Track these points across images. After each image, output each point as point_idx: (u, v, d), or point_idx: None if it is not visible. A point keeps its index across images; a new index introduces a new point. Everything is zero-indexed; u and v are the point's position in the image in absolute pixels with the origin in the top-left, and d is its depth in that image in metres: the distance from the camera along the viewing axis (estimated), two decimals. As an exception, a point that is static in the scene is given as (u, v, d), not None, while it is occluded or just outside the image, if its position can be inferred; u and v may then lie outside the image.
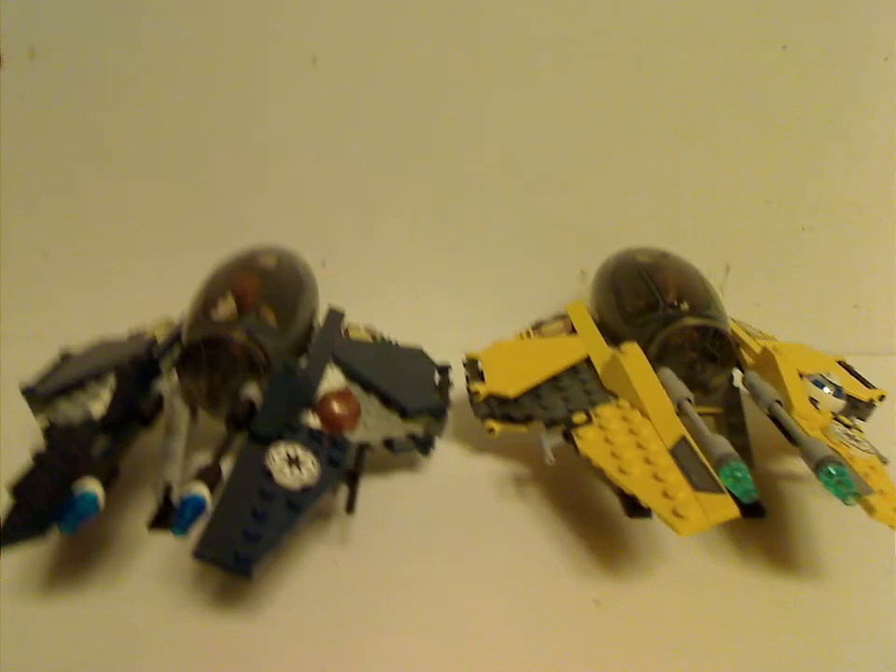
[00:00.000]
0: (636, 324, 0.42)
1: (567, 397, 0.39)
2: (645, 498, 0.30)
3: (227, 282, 0.41)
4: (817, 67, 0.52)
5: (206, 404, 0.38)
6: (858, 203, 0.57)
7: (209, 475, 0.30)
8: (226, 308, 0.39)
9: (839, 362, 0.47)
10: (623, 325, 0.43)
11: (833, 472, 0.30)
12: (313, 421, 0.37)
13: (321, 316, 0.47)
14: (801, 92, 0.53)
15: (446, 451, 0.44)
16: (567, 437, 0.36)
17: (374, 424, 0.38)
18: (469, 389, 0.41)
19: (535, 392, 0.40)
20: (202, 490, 0.29)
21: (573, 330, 0.47)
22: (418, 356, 0.46)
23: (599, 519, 0.38)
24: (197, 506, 0.28)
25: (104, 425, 0.34)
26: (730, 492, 0.30)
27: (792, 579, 0.34)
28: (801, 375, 0.40)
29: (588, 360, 0.42)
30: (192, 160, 0.54)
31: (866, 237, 0.58)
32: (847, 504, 0.29)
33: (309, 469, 0.32)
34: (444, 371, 0.45)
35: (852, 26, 0.51)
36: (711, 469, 0.30)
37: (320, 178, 0.55)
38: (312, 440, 0.35)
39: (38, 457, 0.33)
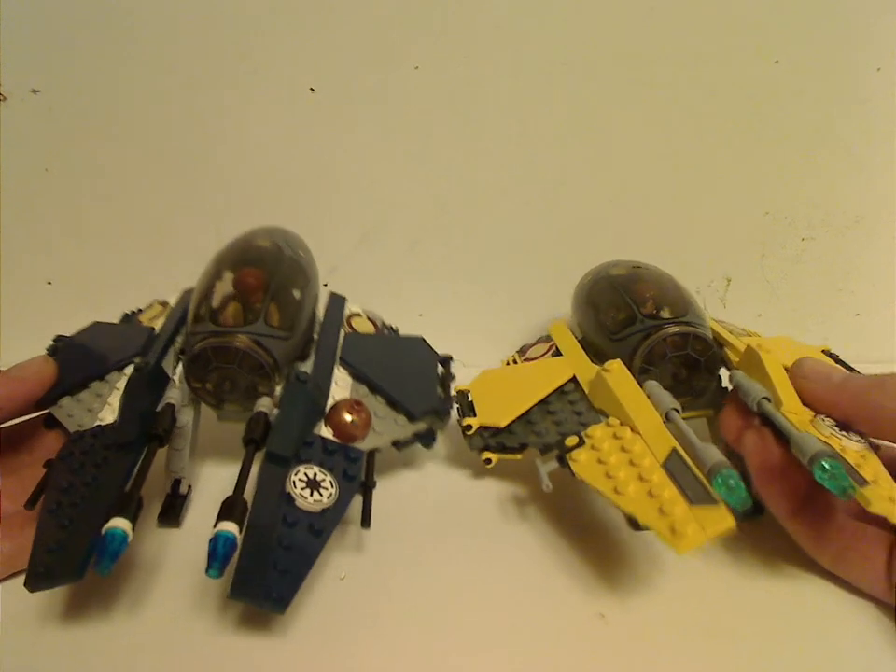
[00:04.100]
0: (617, 338, 0.42)
1: (557, 420, 0.39)
2: (642, 517, 0.30)
3: (230, 281, 0.41)
4: (810, 80, 0.53)
5: (214, 405, 0.39)
6: (856, 211, 0.57)
7: (235, 510, 0.30)
8: (231, 311, 0.39)
9: (824, 351, 0.47)
10: (606, 341, 0.44)
11: (828, 467, 0.30)
12: (325, 431, 0.37)
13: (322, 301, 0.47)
14: (795, 105, 0.54)
15: (447, 472, 0.44)
16: (562, 461, 0.36)
17: (382, 427, 0.39)
18: (460, 423, 0.41)
19: (526, 418, 0.40)
20: (230, 527, 0.29)
21: (558, 352, 0.47)
22: (419, 346, 0.47)
23: (601, 533, 0.38)
24: (228, 544, 0.28)
25: (118, 443, 0.34)
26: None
27: (795, 584, 0.34)
28: (786, 369, 0.40)
29: (575, 380, 0.42)
30: (195, 189, 0.55)
31: (866, 245, 0.58)
32: (843, 499, 0.29)
33: (328, 489, 0.32)
34: (446, 362, 0.45)
35: (843, 38, 0.52)
36: (704, 480, 0.30)
37: (320, 199, 0.56)
38: (326, 453, 0.35)
39: (49, 467, 0.33)
